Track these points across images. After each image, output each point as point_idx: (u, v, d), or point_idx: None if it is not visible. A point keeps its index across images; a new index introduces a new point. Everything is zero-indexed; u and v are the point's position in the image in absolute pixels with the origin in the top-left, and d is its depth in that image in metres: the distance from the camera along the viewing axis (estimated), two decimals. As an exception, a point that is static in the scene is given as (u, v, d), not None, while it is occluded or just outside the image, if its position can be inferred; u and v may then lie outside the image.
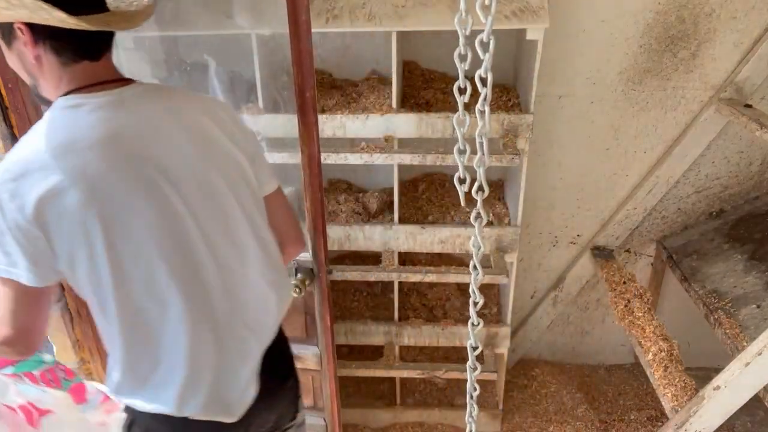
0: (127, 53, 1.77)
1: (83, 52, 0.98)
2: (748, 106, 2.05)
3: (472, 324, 0.79)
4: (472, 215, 0.72)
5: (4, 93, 1.45)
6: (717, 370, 1.65)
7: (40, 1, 0.89)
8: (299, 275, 1.55)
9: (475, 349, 0.82)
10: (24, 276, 0.97)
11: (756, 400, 1.66)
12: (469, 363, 0.81)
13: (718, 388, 1.61)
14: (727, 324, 1.85)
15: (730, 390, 1.60)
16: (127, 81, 1.05)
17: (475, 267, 0.76)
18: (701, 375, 1.90)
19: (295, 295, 1.54)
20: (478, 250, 0.74)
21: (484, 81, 0.64)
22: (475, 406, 0.87)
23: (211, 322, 1.10)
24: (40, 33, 0.94)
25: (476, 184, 0.69)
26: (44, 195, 0.92)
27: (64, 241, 0.97)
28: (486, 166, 0.69)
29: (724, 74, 2.13)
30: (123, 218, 0.98)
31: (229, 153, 1.10)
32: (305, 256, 1.55)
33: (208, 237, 1.07)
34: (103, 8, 0.99)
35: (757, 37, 2.06)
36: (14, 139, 1.51)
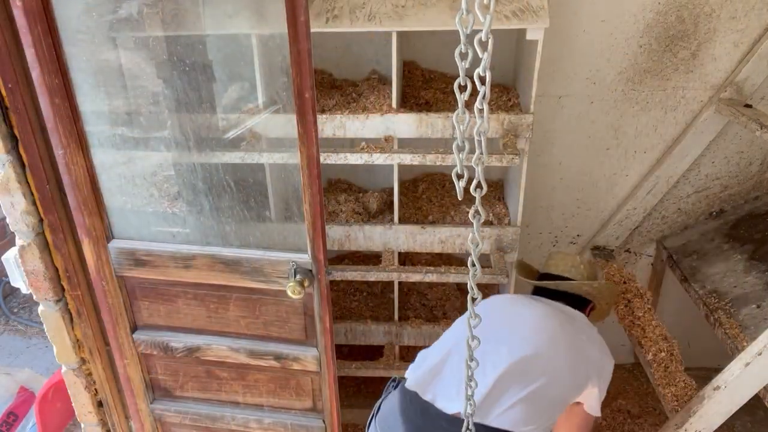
0: (127, 53, 1.76)
1: None
2: (748, 106, 2.05)
3: (470, 317, 0.81)
4: (471, 212, 0.74)
5: (4, 93, 1.44)
6: (717, 370, 1.65)
7: None
8: (298, 276, 1.54)
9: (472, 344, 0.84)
10: None
11: (756, 400, 1.65)
12: (466, 358, 0.84)
13: (718, 388, 1.61)
14: (727, 324, 1.84)
15: (730, 390, 1.59)
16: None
17: (473, 264, 0.78)
18: (701, 375, 1.90)
19: (294, 296, 1.54)
20: (476, 246, 0.76)
21: (483, 79, 0.66)
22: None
23: None
24: None
25: (474, 181, 0.71)
26: None
27: None
28: (485, 164, 0.70)
29: (724, 74, 2.13)
30: None
31: None
32: (304, 257, 1.55)
33: None
34: None
35: (757, 37, 2.06)
36: (14, 139, 1.51)
